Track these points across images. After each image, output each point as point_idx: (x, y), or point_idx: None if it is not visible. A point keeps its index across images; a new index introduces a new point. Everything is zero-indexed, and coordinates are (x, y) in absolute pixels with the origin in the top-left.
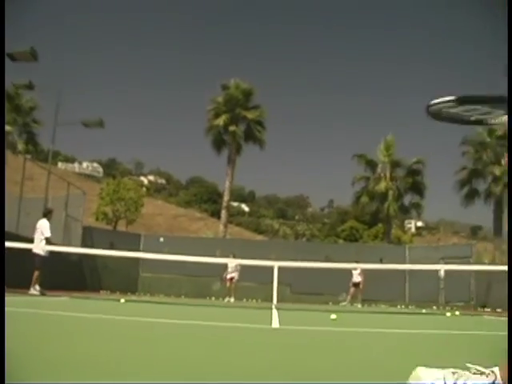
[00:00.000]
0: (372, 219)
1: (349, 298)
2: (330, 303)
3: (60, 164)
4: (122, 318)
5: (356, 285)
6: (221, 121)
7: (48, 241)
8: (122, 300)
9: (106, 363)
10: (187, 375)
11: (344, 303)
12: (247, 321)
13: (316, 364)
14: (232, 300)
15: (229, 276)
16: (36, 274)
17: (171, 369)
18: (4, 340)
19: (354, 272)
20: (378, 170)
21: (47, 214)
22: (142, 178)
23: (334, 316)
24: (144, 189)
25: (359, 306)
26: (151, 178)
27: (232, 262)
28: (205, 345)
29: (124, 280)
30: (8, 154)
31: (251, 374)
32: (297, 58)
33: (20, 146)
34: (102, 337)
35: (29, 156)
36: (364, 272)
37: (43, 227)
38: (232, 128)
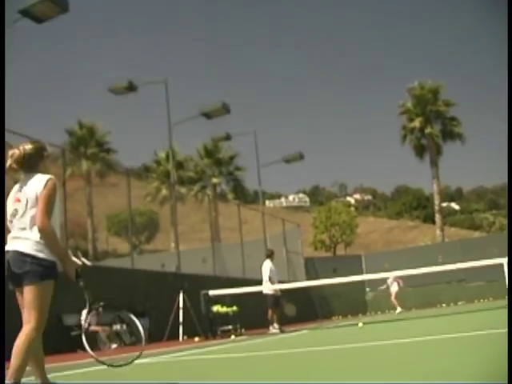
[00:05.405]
0: None
1: None
2: None
3: (267, 202)
4: (373, 343)
5: None
6: (416, 123)
7: (271, 281)
8: (360, 324)
9: None
10: None
11: None
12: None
13: None
14: (398, 310)
15: (393, 291)
16: (270, 313)
17: None
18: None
19: None
20: None
21: (270, 255)
22: (349, 199)
23: None
24: (353, 209)
25: None
26: (357, 196)
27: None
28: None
29: (352, 303)
30: (219, 204)
31: None
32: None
33: (229, 195)
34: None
35: (237, 201)
36: None
37: (264, 269)
38: (428, 130)
